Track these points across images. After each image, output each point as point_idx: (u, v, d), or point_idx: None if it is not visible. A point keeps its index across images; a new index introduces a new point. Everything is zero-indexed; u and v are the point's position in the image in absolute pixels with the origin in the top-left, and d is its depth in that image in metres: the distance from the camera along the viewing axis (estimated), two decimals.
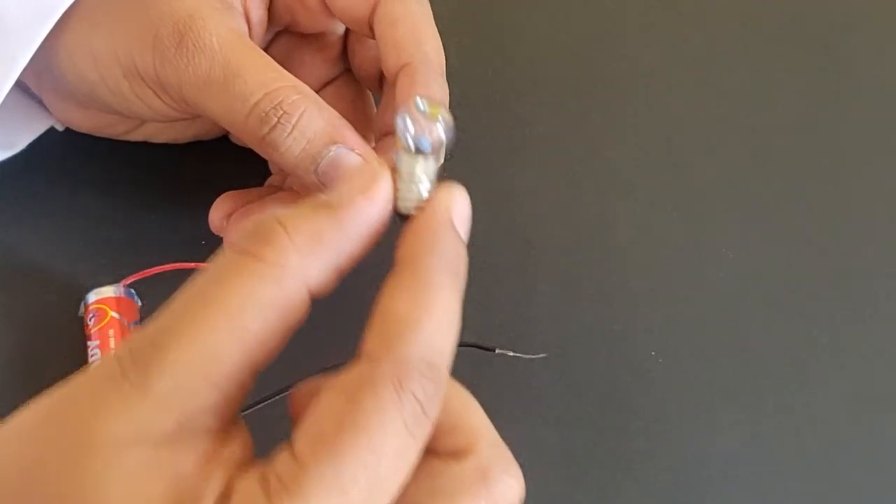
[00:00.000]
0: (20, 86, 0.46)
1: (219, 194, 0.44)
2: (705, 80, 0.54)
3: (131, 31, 0.39)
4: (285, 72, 0.39)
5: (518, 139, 0.50)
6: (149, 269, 0.42)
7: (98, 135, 0.46)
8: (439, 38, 0.40)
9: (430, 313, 0.28)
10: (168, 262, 0.42)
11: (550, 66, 0.54)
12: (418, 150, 0.31)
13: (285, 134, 0.38)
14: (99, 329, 0.41)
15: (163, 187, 0.47)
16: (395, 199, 0.31)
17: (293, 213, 0.29)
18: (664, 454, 0.42)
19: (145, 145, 0.47)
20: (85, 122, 0.45)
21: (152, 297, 0.43)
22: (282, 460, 0.27)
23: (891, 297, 0.47)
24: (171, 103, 0.40)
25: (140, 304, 0.42)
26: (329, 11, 0.43)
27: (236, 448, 0.28)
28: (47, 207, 0.47)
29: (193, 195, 0.46)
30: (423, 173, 0.31)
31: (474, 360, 0.41)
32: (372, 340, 0.28)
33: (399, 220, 0.32)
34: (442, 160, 0.32)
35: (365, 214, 0.30)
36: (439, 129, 0.31)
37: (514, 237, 0.47)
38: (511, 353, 0.41)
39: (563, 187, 0.49)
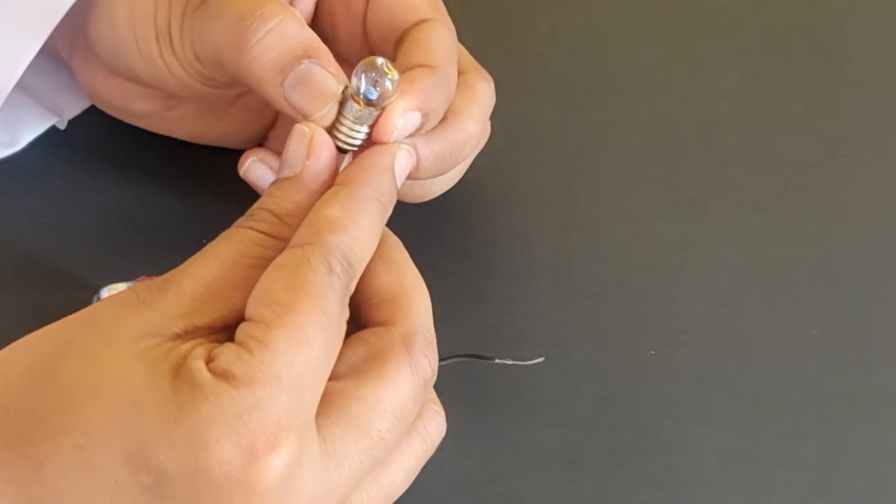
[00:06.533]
0: (24, 85, 0.46)
1: (228, 194, 0.45)
2: (705, 79, 0.54)
3: None
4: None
5: (516, 136, 0.51)
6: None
7: (121, 116, 0.47)
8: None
9: (356, 225, 0.34)
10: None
11: (549, 63, 0.54)
12: (367, 101, 0.37)
13: (258, 36, 0.38)
14: None
15: (170, 187, 0.48)
16: (337, 136, 0.37)
17: (272, 200, 0.35)
18: (661, 451, 0.42)
19: (155, 145, 0.48)
20: (110, 92, 0.45)
21: None
22: (247, 326, 0.31)
23: (889, 294, 0.47)
24: (193, 69, 0.41)
25: None
26: (364, 35, 0.43)
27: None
28: (54, 205, 0.47)
29: (203, 194, 0.47)
30: (364, 121, 0.37)
31: (473, 360, 0.42)
32: (302, 232, 0.33)
33: (339, 151, 0.37)
34: (380, 111, 0.37)
35: (316, 171, 0.36)
36: (387, 86, 0.36)
37: (510, 235, 0.48)
38: (510, 362, 0.42)
39: (559, 185, 0.50)
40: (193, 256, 0.34)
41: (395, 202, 0.36)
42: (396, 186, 0.37)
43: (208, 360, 0.31)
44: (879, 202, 0.50)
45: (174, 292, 0.33)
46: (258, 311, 0.32)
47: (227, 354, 0.31)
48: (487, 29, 0.55)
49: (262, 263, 0.33)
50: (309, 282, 0.32)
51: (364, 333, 0.35)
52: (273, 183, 0.36)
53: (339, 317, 0.33)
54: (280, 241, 0.34)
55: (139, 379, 0.31)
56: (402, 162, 0.37)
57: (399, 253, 0.37)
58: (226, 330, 0.33)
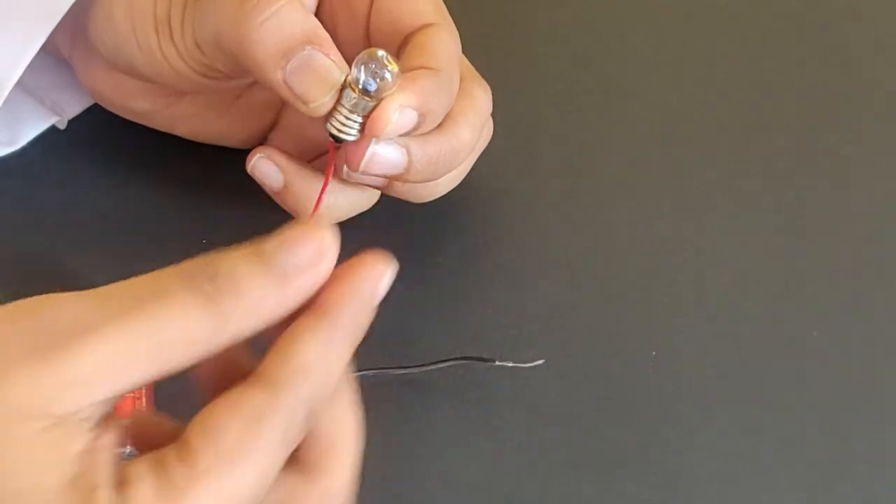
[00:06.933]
0: (24, 83, 0.46)
1: (228, 194, 0.45)
2: (705, 79, 0.54)
3: None
4: None
5: (516, 136, 0.51)
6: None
7: (122, 113, 0.47)
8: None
9: (328, 371, 0.30)
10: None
11: (549, 63, 0.54)
12: (365, 92, 0.37)
13: (261, 19, 0.37)
14: None
15: (170, 187, 0.48)
16: (332, 124, 0.38)
17: (248, 270, 0.29)
18: (661, 451, 0.42)
19: (156, 145, 0.47)
20: (110, 89, 0.46)
21: None
22: (181, 459, 0.28)
23: (889, 294, 0.47)
24: (193, 58, 0.41)
25: None
26: (366, 38, 0.43)
27: (115, 433, 0.29)
28: (54, 205, 0.47)
29: (203, 194, 0.47)
30: (360, 111, 0.37)
31: (474, 362, 0.42)
32: (276, 370, 0.29)
33: (329, 137, 0.38)
34: (377, 102, 0.37)
35: (307, 288, 0.30)
36: (386, 77, 0.37)
37: (510, 235, 0.48)
38: (511, 364, 0.42)
39: (560, 185, 0.50)
40: (119, 300, 0.29)
41: (366, 328, 0.31)
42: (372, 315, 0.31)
43: (119, 482, 0.28)
44: (879, 202, 0.50)
45: (76, 352, 0.28)
46: (200, 446, 0.28)
47: (144, 489, 0.28)
48: (487, 29, 0.55)
49: (185, 340, 0.29)
50: (265, 436, 0.29)
51: (291, 477, 0.32)
52: (252, 263, 0.29)
53: (279, 467, 0.30)
54: (215, 319, 0.29)
55: (20, 482, 0.27)
56: (384, 286, 0.31)
57: (344, 399, 0.32)
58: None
